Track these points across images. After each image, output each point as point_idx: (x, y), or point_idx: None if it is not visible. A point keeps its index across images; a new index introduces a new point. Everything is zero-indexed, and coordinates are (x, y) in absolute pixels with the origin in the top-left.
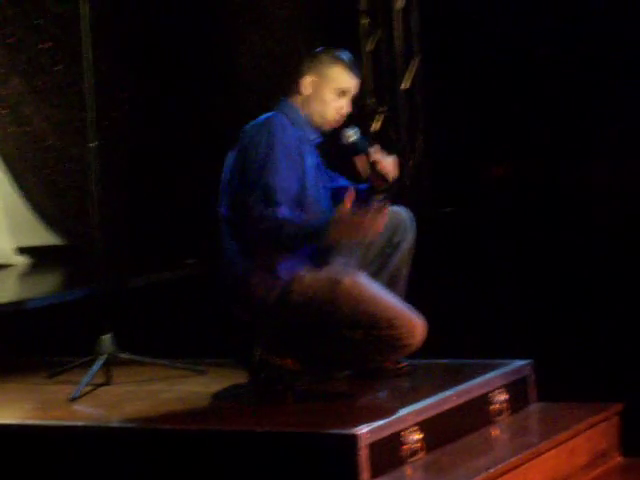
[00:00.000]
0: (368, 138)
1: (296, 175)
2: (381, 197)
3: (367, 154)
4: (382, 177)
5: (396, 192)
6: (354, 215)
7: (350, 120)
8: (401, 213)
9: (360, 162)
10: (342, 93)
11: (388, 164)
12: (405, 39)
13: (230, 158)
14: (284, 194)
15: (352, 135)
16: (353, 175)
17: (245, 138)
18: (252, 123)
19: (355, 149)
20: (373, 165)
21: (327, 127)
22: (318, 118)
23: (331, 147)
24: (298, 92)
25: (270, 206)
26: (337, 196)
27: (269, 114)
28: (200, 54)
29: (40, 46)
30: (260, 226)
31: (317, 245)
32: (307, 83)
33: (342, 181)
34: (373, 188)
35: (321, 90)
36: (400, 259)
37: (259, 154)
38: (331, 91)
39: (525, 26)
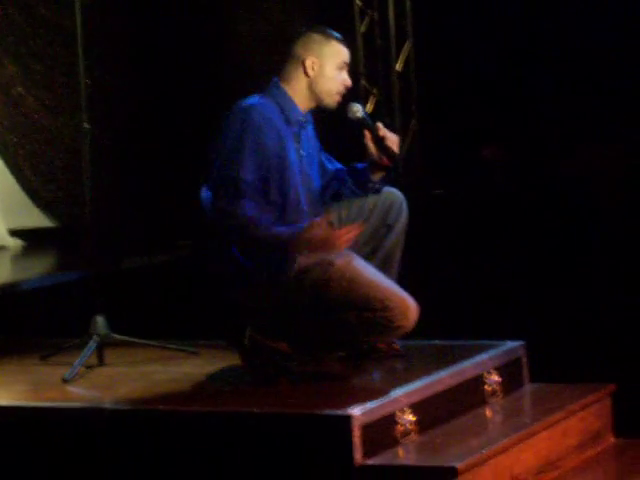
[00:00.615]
0: (372, 117)
1: (265, 168)
2: (380, 176)
3: (374, 129)
4: (388, 153)
5: (397, 172)
6: (322, 233)
7: (344, 101)
8: (393, 195)
9: (366, 137)
10: (342, 66)
11: (393, 141)
12: (398, 21)
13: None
14: (249, 188)
15: (359, 110)
16: (353, 151)
17: (224, 120)
18: (237, 105)
19: (362, 124)
20: (381, 140)
21: (334, 103)
22: (327, 96)
23: (326, 126)
24: (305, 74)
25: (235, 201)
26: (335, 180)
27: (254, 100)
28: (193, 36)
29: (33, 29)
30: (224, 222)
31: (277, 253)
32: (309, 65)
33: (333, 165)
34: (374, 166)
35: (324, 68)
36: (393, 241)
37: (227, 145)
38: (333, 67)
39: (518, 8)
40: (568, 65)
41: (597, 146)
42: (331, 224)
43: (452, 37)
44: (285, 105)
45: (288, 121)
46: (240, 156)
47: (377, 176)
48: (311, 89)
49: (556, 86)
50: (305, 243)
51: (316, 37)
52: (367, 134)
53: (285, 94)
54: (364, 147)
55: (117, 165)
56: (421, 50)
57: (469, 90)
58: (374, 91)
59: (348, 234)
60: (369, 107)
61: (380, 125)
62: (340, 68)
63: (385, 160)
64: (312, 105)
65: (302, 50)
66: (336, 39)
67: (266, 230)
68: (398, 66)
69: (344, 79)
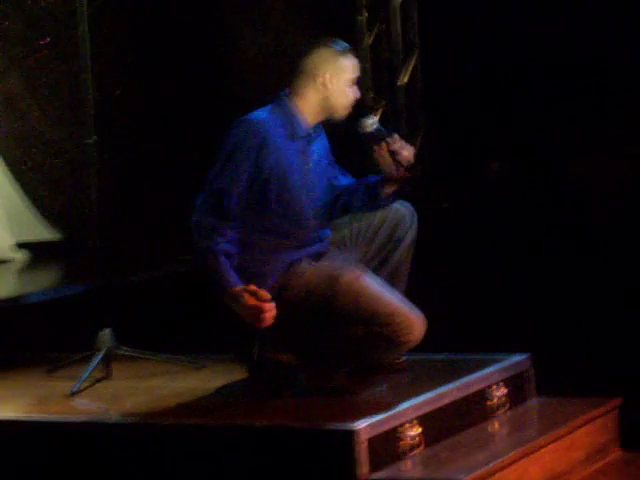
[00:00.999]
0: (387, 128)
1: (261, 181)
2: (393, 189)
3: (387, 143)
4: (405, 163)
5: (416, 181)
6: (248, 303)
7: (350, 114)
8: (403, 208)
9: (379, 151)
10: (353, 80)
11: (407, 154)
12: (404, 33)
13: None
14: (230, 203)
15: (374, 122)
16: (367, 164)
17: (226, 133)
18: (242, 118)
19: (376, 137)
20: (393, 154)
21: (343, 115)
22: (340, 109)
23: (338, 139)
24: (319, 88)
25: (209, 213)
26: (345, 193)
27: (258, 115)
28: (197, 48)
29: (38, 41)
30: (195, 232)
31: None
32: (324, 80)
33: (345, 179)
34: (387, 179)
35: (338, 83)
36: (401, 255)
37: (221, 157)
38: (346, 82)
39: (524, 21)
40: (575, 78)
41: (609, 158)
42: (259, 295)
43: (459, 50)
44: (292, 120)
45: (293, 136)
46: (227, 169)
47: (389, 189)
48: (324, 103)
49: (563, 99)
50: (233, 302)
51: (329, 51)
52: (383, 146)
53: (294, 108)
54: (375, 161)
55: (123, 178)
56: (428, 62)
57: (476, 102)
58: (381, 103)
59: (272, 311)
60: (376, 119)
61: (396, 136)
62: (351, 82)
63: (402, 172)
64: (322, 118)
65: (316, 64)
66: (348, 53)
67: (216, 261)
68: (405, 78)
69: (354, 92)
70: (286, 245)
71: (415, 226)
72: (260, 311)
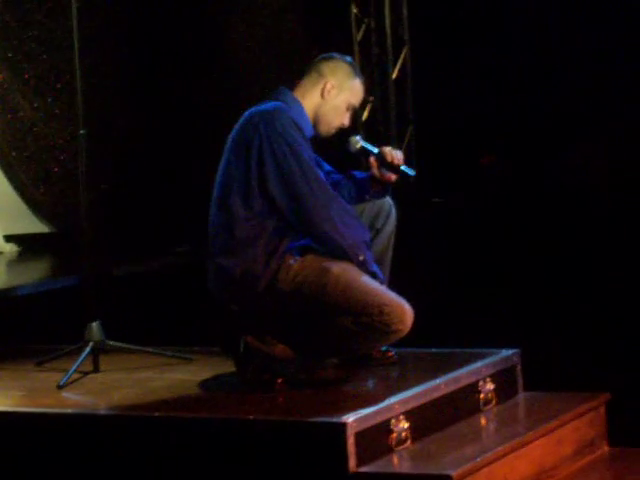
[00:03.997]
0: (373, 143)
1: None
2: (379, 189)
3: (380, 155)
4: (397, 170)
5: (409, 180)
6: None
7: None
8: (380, 200)
9: (371, 164)
10: (351, 107)
11: (399, 158)
12: (394, 29)
13: (230, 144)
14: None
15: (358, 141)
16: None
17: (252, 128)
18: (260, 111)
19: (365, 153)
20: (390, 163)
21: (326, 134)
22: (325, 124)
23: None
24: (321, 95)
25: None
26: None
27: (277, 105)
28: (188, 40)
29: (28, 34)
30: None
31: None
32: (329, 88)
33: (335, 175)
34: (375, 181)
35: (338, 98)
36: (383, 244)
37: (280, 156)
38: (344, 102)
39: (515, 14)
40: (567, 70)
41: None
42: None
43: (449, 44)
44: (300, 117)
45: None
46: (302, 162)
47: (376, 189)
48: (316, 111)
49: (556, 93)
50: None
51: (345, 67)
52: (373, 162)
53: (295, 100)
54: (368, 167)
55: (113, 170)
56: (417, 57)
57: (466, 97)
58: (371, 99)
59: None
60: (365, 114)
61: (386, 149)
62: (349, 107)
63: (392, 177)
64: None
65: (328, 71)
66: (361, 80)
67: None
68: (394, 74)
69: (345, 118)
70: (286, 236)
71: (394, 216)
72: None
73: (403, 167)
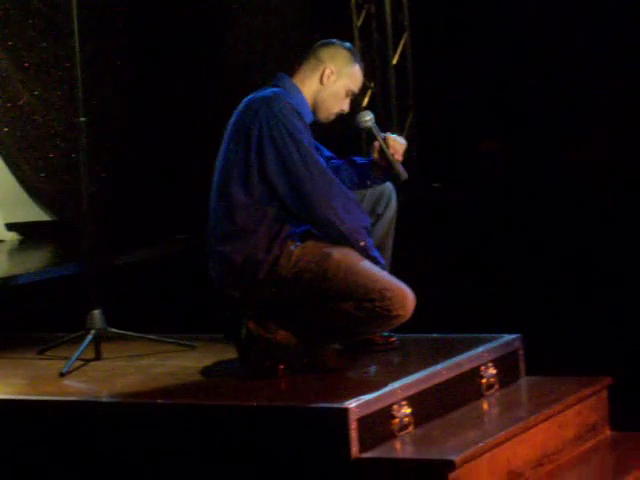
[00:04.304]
0: (380, 128)
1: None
2: (380, 174)
3: (383, 142)
4: (392, 163)
5: (399, 178)
6: None
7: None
8: (382, 185)
9: (373, 146)
10: (350, 93)
11: (400, 149)
12: (394, 14)
13: (229, 130)
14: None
15: (368, 121)
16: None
17: (251, 115)
18: (259, 97)
19: (370, 133)
20: (382, 152)
21: (323, 120)
22: (324, 111)
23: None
24: (320, 80)
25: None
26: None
27: (277, 91)
28: (188, 29)
29: (27, 22)
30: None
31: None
32: (328, 74)
33: (336, 160)
34: (376, 167)
35: (337, 84)
36: (384, 230)
37: (279, 141)
38: (344, 88)
39: (516, 3)
40: (566, 58)
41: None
42: None
43: (449, 30)
44: (300, 103)
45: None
46: (302, 149)
47: (377, 174)
48: (315, 97)
49: (557, 80)
50: None
51: (345, 53)
52: (376, 145)
53: (295, 87)
54: (369, 153)
55: (114, 159)
56: (418, 43)
57: (466, 83)
58: (371, 85)
59: None
60: (365, 101)
61: (390, 136)
62: (349, 93)
63: (385, 166)
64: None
65: (327, 57)
66: (361, 67)
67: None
68: (395, 59)
69: (345, 104)
70: (287, 222)
71: (394, 201)
72: None
73: (398, 166)
